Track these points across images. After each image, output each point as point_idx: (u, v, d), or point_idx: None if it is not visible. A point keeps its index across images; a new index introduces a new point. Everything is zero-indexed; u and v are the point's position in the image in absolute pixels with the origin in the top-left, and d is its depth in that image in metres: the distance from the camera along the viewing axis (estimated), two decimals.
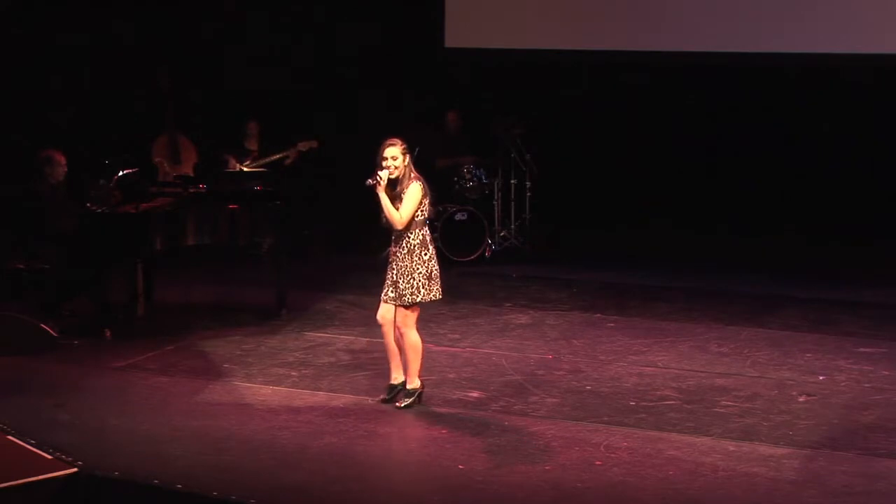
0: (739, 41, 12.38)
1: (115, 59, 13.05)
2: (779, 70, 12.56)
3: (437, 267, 7.79)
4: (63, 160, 9.93)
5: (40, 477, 6.62)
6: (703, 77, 12.86)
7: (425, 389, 7.92)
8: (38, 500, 6.60)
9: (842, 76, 12.37)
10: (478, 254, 12.34)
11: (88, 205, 9.68)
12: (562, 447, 7.15)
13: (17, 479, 6.53)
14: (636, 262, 12.31)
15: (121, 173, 9.78)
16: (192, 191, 9.98)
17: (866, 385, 8.33)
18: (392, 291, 7.75)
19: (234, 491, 6.46)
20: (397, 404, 7.83)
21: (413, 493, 6.70)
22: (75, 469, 6.69)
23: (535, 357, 9.01)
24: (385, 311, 7.85)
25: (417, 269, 7.69)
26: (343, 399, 8.03)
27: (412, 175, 7.73)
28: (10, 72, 12.39)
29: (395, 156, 7.68)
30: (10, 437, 7.16)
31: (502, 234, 12.85)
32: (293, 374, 8.62)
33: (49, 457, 6.84)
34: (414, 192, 7.66)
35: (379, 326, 7.95)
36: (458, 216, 12.26)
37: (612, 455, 7.01)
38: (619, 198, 13.32)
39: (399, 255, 7.73)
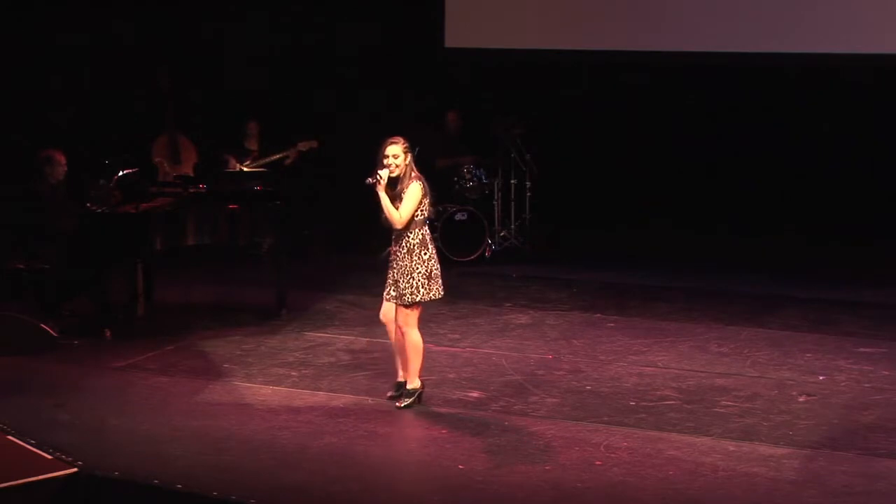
0: (739, 41, 12.38)
1: (115, 59, 13.05)
2: (779, 70, 12.55)
3: (437, 266, 7.79)
4: (63, 160, 9.93)
5: (40, 477, 6.63)
6: (703, 77, 12.86)
7: (425, 389, 7.92)
8: (38, 500, 6.60)
9: (842, 76, 12.37)
10: (478, 254, 12.34)
11: (88, 205, 9.68)
12: (562, 447, 7.15)
13: (17, 479, 6.53)
14: (636, 262, 12.31)
15: (121, 173, 9.78)
16: (192, 191, 9.98)
17: (866, 385, 8.33)
18: (393, 290, 7.76)
19: (234, 491, 6.46)
20: (397, 404, 7.83)
21: (413, 493, 6.70)
22: (75, 469, 6.69)
23: (535, 357, 9.01)
24: (387, 310, 7.86)
25: (417, 268, 7.69)
26: (343, 399, 8.03)
27: (413, 174, 7.72)
28: (10, 72, 12.39)
29: (396, 154, 7.68)
30: (10, 437, 7.17)
31: (502, 234, 12.85)
32: (293, 374, 8.62)
33: (49, 457, 6.85)
34: (414, 192, 7.66)
35: (383, 325, 7.96)
36: (458, 216, 12.26)
37: (612, 455, 7.01)
38: (619, 198, 13.32)
39: (399, 254, 7.74)
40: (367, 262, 11.41)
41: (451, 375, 8.51)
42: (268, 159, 11.87)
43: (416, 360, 7.82)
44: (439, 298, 7.86)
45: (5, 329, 9.06)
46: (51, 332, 9.10)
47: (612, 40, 12.86)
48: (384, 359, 8.83)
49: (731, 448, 7.11)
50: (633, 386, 8.32)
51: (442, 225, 12.00)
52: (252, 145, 12.13)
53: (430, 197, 7.79)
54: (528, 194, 12.90)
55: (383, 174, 7.65)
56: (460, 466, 6.85)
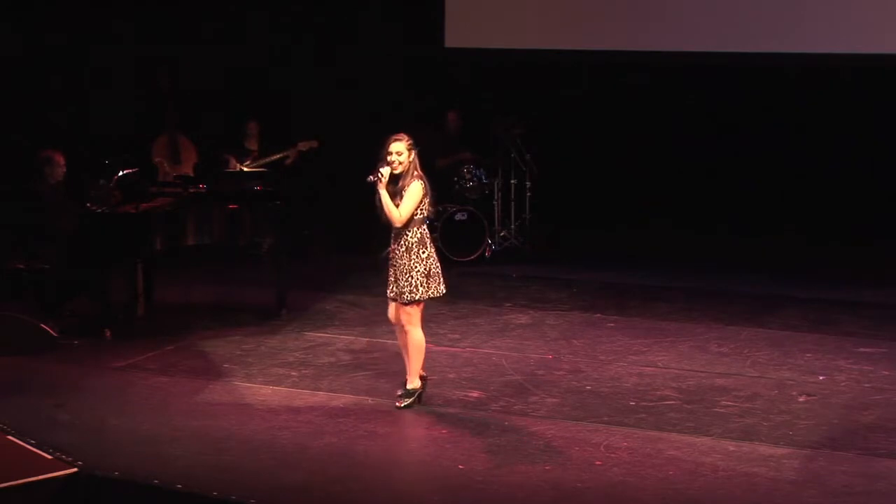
0: (739, 41, 12.38)
1: (115, 59, 13.05)
2: (779, 70, 12.55)
3: (436, 265, 7.79)
4: (62, 161, 9.93)
5: (40, 477, 6.63)
6: (703, 77, 12.86)
7: (425, 390, 7.92)
8: (38, 500, 6.60)
9: (842, 76, 12.37)
10: (478, 254, 12.34)
11: (88, 205, 9.68)
12: (562, 447, 7.15)
13: (17, 479, 6.54)
14: (636, 262, 12.31)
15: (121, 173, 9.78)
16: (192, 191, 9.98)
17: (866, 385, 8.33)
18: (394, 288, 7.77)
19: (234, 491, 6.46)
20: (397, 404, 7.83)
21: (413, 493, 6.70)
22: (75, 469, 6.69)
23: (535, 357, 9.01)
24: (394, 309, 7.87)
25: (415, 267, 7.69)
26: (343, 399, 8.03)
27: (415, 173, 7.72)
28: (10, 72, 12.39)
29: (399, 151, 7.68)
30: (10, 437, 7.17)
31: (502, 234, 12.85)
32: (293, 374, 8.62)
33: (49, 457, 6.85)
34: (415, 191, 7.66)
35: (385, 325, 7.96)
36: (458, 216, 12.26)
37: (612, 455, 7.01)
38: (619, 198, 13.32)
39: (398, 252, 7.75)
40: (367, 262, 11.42)
41: (451, 375, 8.51)
42: (268, 159, 11.87)
43: (417, 359, 7.83)
44: (440, 297, 7.86)
45: (5, 329, 9.07)
46: (51, 332, 9.10)
47: (612, 40, 12.86)
48: (384, 359, 8.84)
49: (731, 448, 7.11)
50: (633, 386, 8.32)
51: (442, 225, 12.00)
52: (252, 145, 12.13)
53: (430, 197, 7.79)
54: (528, 194, 12.90)
55: (385, 172, 7.65)
56: (460, 466, 6.85)
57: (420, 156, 7.81)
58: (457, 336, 9.56)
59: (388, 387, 8.15)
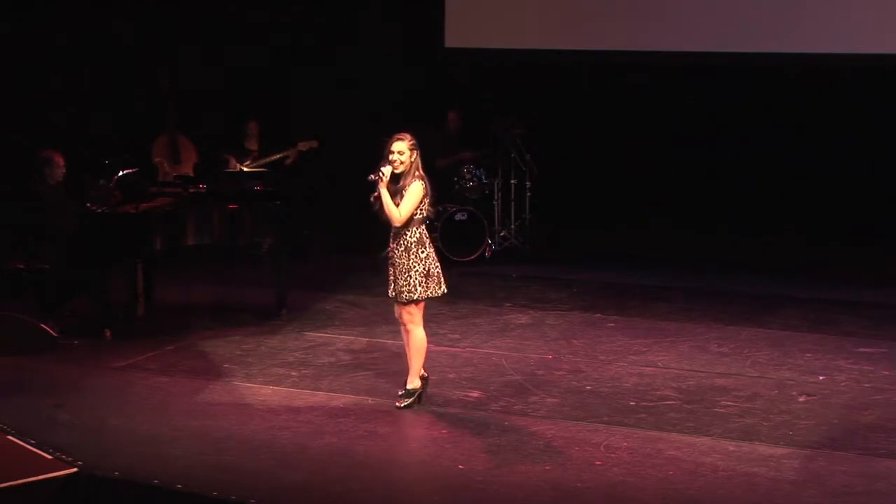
0: (739, 41, 12.38)
1: (115, 59, 13.05)
2: (779, 70, 12.55)
3: (436, 264, 7.79)
4: (62, 161, 9.93)
5: (40, 477, 6.63)
6: (703, 77, 12.86)
7: (426, 390, 7.92)
8: (38, 500, 6.60)
9: (842, 76, 12.37)
10: (478, 254, 12.34)
11: (88, 205, 9.68)
12: (562, 447, 7.15)
13: (17, 479, 6.53)
14: (636, 262, 12.31)
15: (121, 173, 9.78)
16: (192, 191, 9.98)
17: (866, 385, 8.33)
18: (394, 288, 7.78)
19: (234, 491, 6.46)
20: (397, 404, 7.83)
21: (413, 493, 6.70)
22: (75, 469, 6.69)
23: (535, 357, 9.01)
24: (398, 308, 7.88)
25: (414, 266, 7.69)
26: (343, 399, 8.03)
27: (416, 173, 7.72)
28: (10, 72, 12.39)
29: (401, 150, 7.68)
30: (10, 437, 7.17)
31: (502, 234, 12.85)
32: (293, 374, 8.62)
33: (49, 457, 6.85)
34: (415, 191, 7.66)
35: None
36: (458, 216, 12.26)
37: (612, 455, 7.01)
38: (619, 198, 13.32)
39: (397, 252, 7.75)
40: (367, 262, 11.42)
41: (451, 375, 8.51)
42: (268, 159, 11.87)
43: (418, 359, 7.83)
44: (440, 296, 7.86)
45: (5, 329, 9.07)
46: (51, 332, 9.10)
47: (612, 40, 12.86)
48: (384, 359, 8.84)
49: (731, 448, 7.11)
50: (633, 386, 8.32)
51: (442, 225, 12.00)
52: (252, 145, 12.13)
53: (430, 197, 7.80)
54: (528, 194, 12.90)
55: (386, 171, 7.65)
56: (460, 466, 6.85)
57: (420, 156, 7.81)
58: (457, 336, 9.55)
59: (388, 387, 8.15)
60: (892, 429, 7.43)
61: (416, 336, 7.81)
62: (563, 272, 11.87)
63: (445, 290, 7.86)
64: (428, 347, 7.93)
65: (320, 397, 8.09)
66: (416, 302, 7.75)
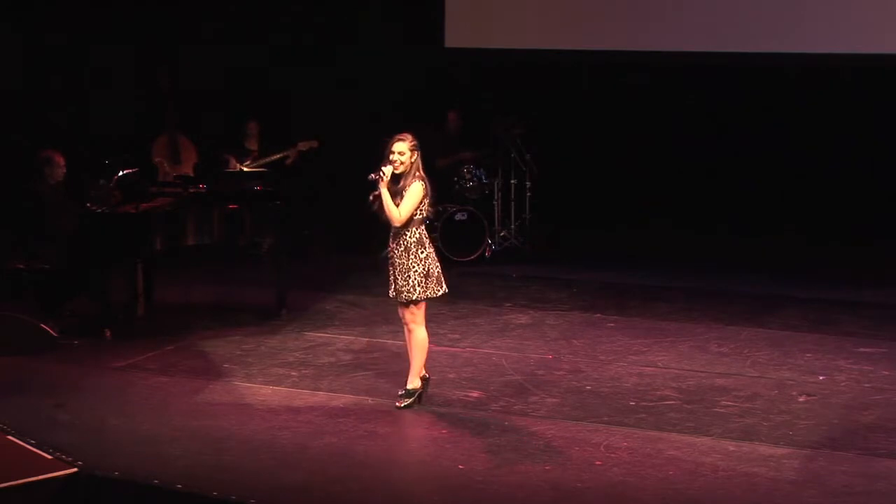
0: (739, 41, 12.38)
1: (115, 59, 13.04)
2: (779, 70, 12.55)
3: (436, 265, 7.78)
4: (62, 161, 9.94)
5: (40, 477, 6.63)
6: (703, 77, 12.86)
7: (426, 390, 7.92)
8: (38, 500, 6.60)
9: (842, 76, 12.37)
10: (478, 254, 12.34)
11: (88, 205, 9.68)
12: (562, 447, 7.15)
13: (17, 479, 6.53)
14: (636, 262, 12.31)
15: (121, 173, 9.77)
16: (192, 191, 9.98)
17: (866, 385, 8.33)
18: (394, 288, 7.78)
19: (234, 491, 6.46)
20: (397, 404, 7.83)
21: (413, 493, 6.70)
22: (75, 469, 6.69)
23: (535, 357, 9.01)
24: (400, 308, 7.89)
25: (413, 267, 7.69)
26: (343, 399, 8.03)
27: (417, 173, 7.72)
28: (10, 72, 12.38)
29: (402, 151, 7.68)
30: (10, 437, 7.17)
31: (502, 234, 12.85)
32: (293, 374, 8.61)
33: (49, 457, 6.85)
34: (415, 191, 7.66)
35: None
36: (458, 216, 12.26)
37: (612, 455, 7.01)
38: (619, 198, 13.32)
39: (397, 252, 7.75)
40: (367, 262, 11.42)
41: (451, 375, 8.51)
42: (268, 159, 11.87)
43: (419, 358, 7.83)
44: (440, 296, 7.86)
45: (5, 329, 9.06)
46: (51, 332, 9.10)
47: (612, 40, 12.86)
48: (384, 359, 8.84)
49: (731, 448, 7.11)
50: (633, 386, 8.32)
51: (442, 225, 12.00)
52: (252, 145, 12.13)
53: (430, 197, 7.80)
54: (528, 194, 12.90)
55: (386, 171, 7.65)
56: (460, 466, 6.85)
57: (420, 156, 7.81)
58: (457, 336, 9.55)
59: (388, 387, 8.15)
60: (892, 429, 7.43)
61: (418, 335, 7.81)
62: (563, 272, 11.87)
63: (446, 291, 7.86)
64: (428, 347, 7.93)
65: (320, 397, 8.09)
66: (417, 302, 7.75)
